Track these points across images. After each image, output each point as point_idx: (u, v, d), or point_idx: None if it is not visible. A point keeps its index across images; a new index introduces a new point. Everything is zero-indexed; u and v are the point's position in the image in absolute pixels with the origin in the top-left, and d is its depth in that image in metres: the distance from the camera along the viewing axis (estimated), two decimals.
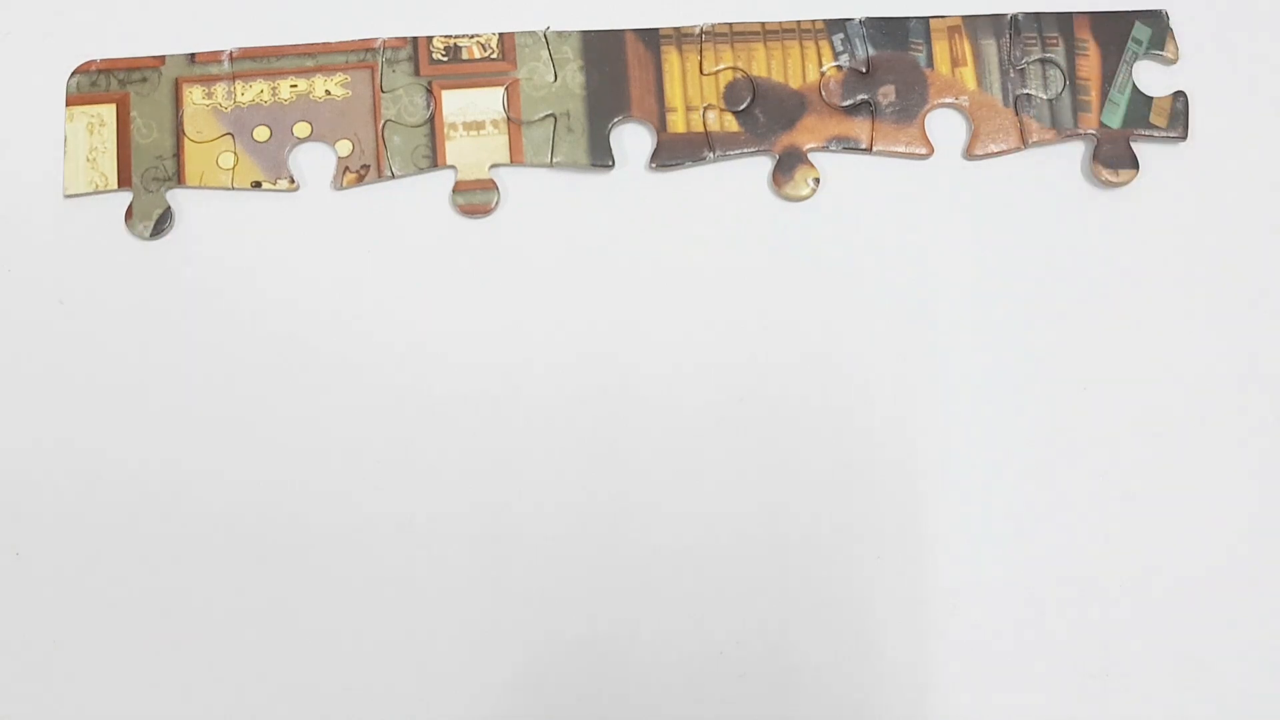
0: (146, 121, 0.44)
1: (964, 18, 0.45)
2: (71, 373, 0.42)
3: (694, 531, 0.41)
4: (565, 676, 0.40)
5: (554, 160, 0.44)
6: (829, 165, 0.44)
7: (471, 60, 0.45)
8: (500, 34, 0.45)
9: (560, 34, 0.45)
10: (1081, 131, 0.44)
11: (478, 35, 0.45)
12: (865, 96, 0.45)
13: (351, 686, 0.40)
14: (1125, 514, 0.42)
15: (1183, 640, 0.41)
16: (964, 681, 0.40)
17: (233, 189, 0.44)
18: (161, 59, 0.44)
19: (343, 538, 0.41)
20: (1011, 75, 0.45)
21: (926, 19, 0.45)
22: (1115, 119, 0.45)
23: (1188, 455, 0.42)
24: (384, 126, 0.44)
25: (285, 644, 0.40)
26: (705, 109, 0.44)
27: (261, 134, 0.44)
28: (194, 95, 0.44)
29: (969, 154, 0.45)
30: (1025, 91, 0.45)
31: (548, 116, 0.44)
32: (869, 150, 0.44)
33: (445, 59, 0.45)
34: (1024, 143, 0.44)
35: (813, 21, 0.45)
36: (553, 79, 0.44)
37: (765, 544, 0.41)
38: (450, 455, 0.42)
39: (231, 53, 0.44)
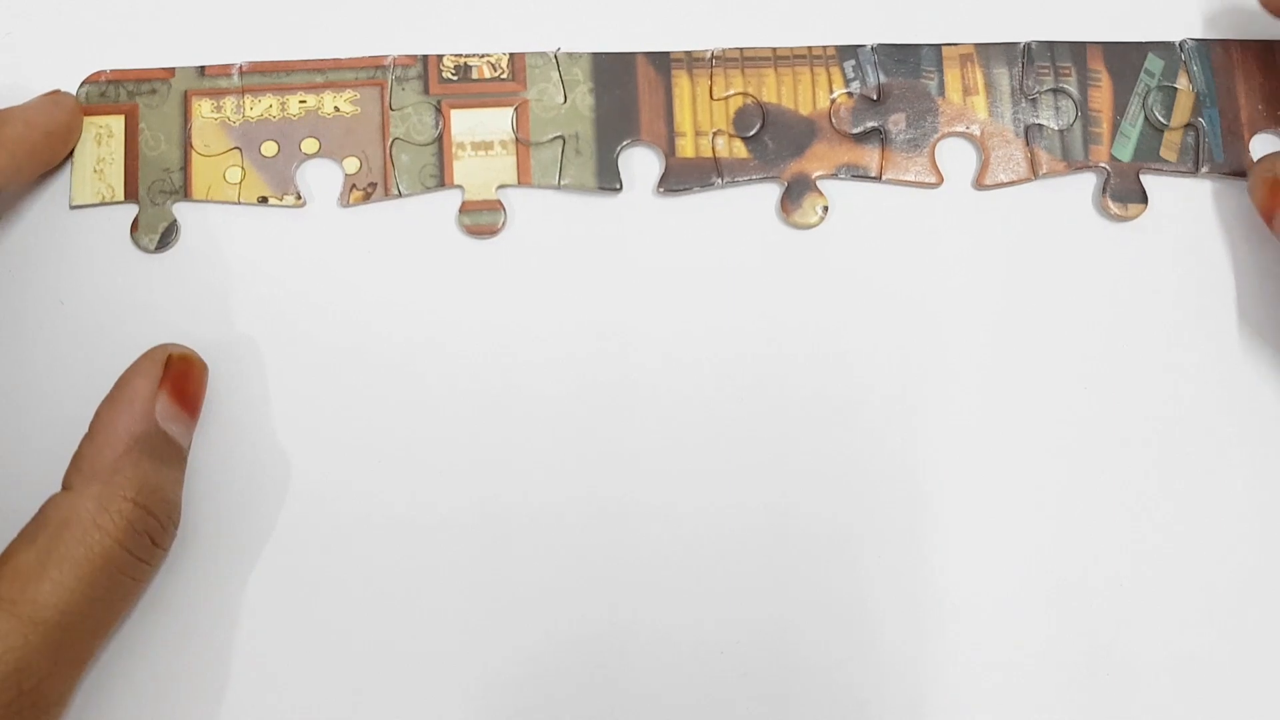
0: (154, 134, 0.44)
1: (977, 46, 0.45)
2: (75, 383, 0.42)
3: (695, 533, 0.41)
4: (564, 675, 0.40)
5: (562, 182, 0.44)
6: (838, 193, 0.44)
7: (481, 80, 0.44)
8: (511, 54, 0.45)
9: (571, 55, 0.45)
10: (1092, 164, 0.44)
11: (488, 55, 0.45)
12: (876, 124, 0.44)
13: (347, 682, 0.40)
14: (1129, 518, 0.42)
15: (1185, 640, 0.41)
16: (965, 682, 0.41)
17: (239, 203, 0.43)
18: (171, 71, 0.44)
19: (340, 550, 0.41)
20: (1023, 105, 0.45)
21: (939, 46, 0.45)
22: (1126, 152, 0.44)
23: (1192, 458, 0.42)
24: (392, 144, 0.44)
25: (284, 645, 0.40)
26: (714, 134, 0.44)
27: (269, 149, 0.44)
28: (203, 108, 0.44)
29: (979, 184, 0.44)
30: (1037, 121, 0.45)
31: (556, 138, 0.44)
32: (878, 179, 0.44)
33: (455, 78, 0.44)
34: (1034, 174, 0.44)
35: (824, 47, 0.45)
36: (562, 100, 0.44)
37: (767, 545, 0.41)
38: (455, 471, 0.42)
39: (241, 66, 0.44)
